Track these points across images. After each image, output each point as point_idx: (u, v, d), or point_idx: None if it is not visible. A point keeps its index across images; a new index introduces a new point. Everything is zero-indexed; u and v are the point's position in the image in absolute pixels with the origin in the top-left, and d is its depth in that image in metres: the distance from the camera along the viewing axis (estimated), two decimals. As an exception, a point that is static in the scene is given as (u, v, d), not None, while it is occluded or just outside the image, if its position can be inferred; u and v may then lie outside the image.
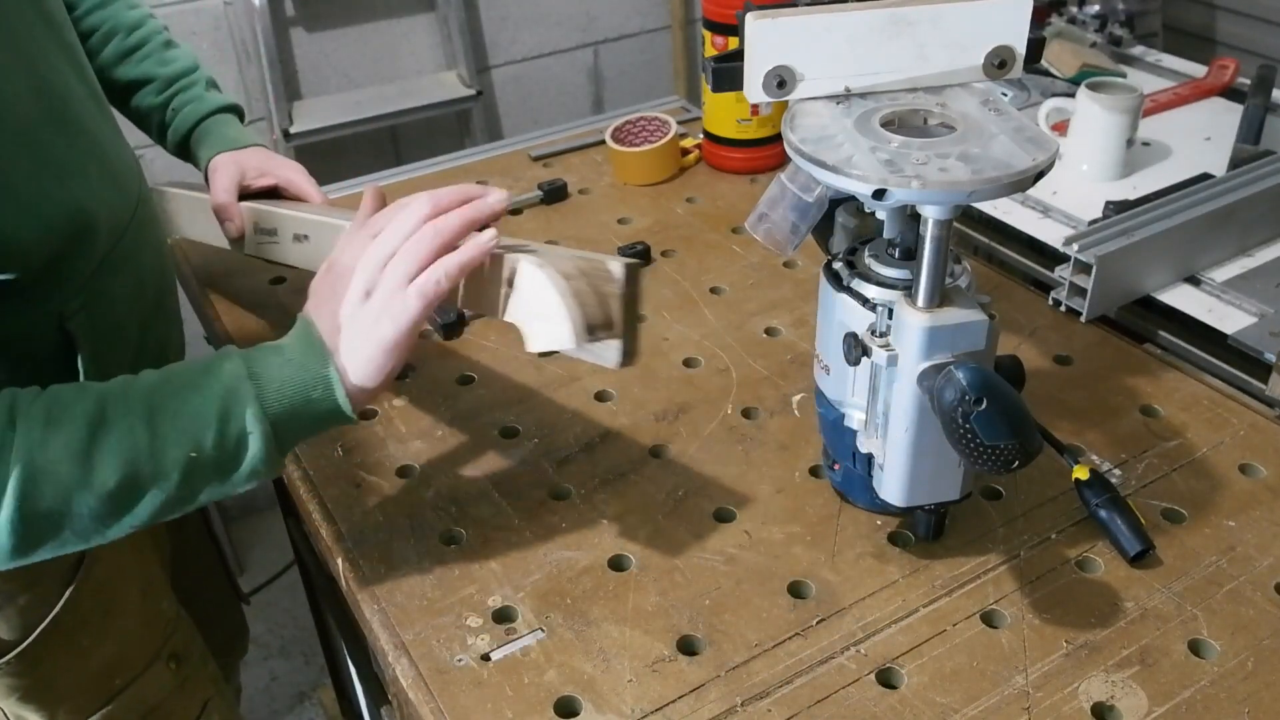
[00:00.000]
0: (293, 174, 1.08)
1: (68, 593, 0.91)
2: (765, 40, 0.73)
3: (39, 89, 0.77)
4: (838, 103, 0.75)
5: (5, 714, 0.94)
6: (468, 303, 0.80)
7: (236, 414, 0.70)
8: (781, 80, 0.74)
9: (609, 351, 0.76)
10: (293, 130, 2.07)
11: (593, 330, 0.75)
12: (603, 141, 1.44)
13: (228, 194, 1.05)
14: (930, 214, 0.68)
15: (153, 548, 1.03)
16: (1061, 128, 1.37)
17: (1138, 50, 1.68)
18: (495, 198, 0.77)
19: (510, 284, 0.77)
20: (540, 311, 0.75)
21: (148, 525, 0.72)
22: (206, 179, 1.09)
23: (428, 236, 0.73)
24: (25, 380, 0.70)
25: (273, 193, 1.09)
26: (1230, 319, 1.07)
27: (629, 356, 0.77)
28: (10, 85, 0.73)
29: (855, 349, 0.75)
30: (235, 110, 1.14)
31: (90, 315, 0.83)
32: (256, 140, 1.11)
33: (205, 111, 1.10)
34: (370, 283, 0.72)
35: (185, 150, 1.12)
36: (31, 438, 0.66)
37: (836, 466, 0.87)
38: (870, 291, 0.76)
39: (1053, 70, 1.53)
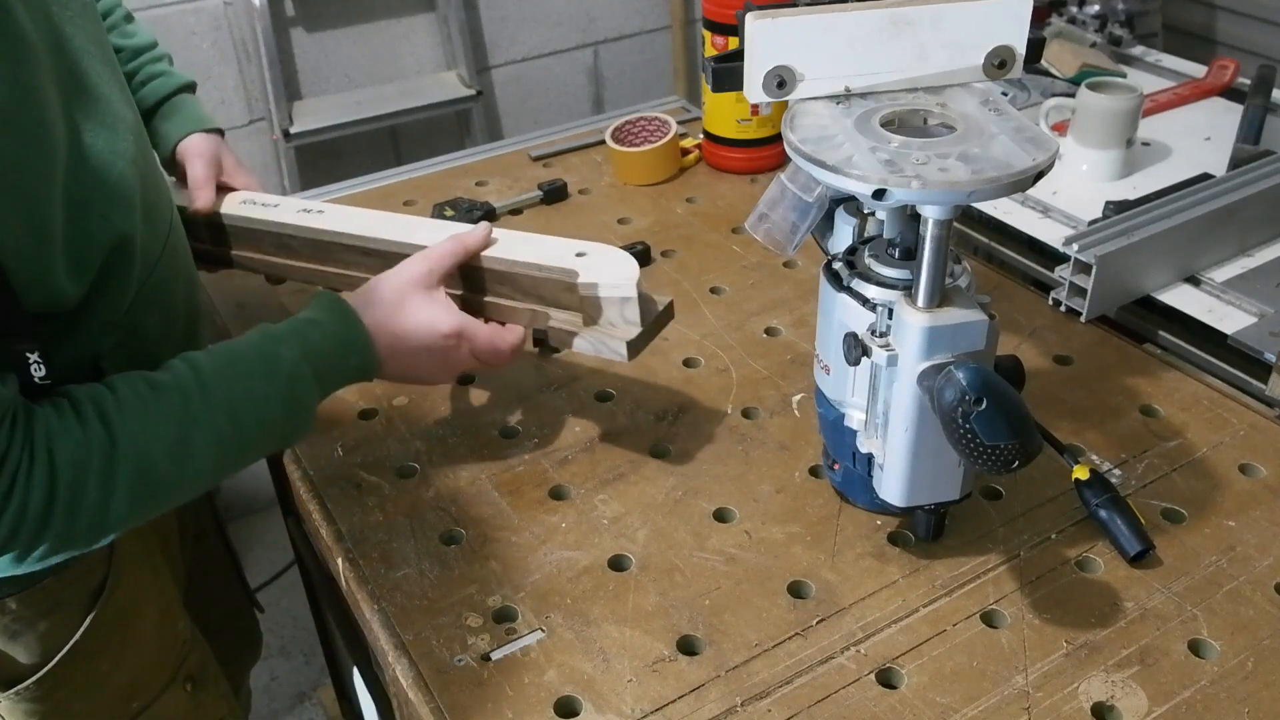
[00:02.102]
0: (241, 182, 1.10)
1: (89, 619, 0.90)
2: (765, 40, 0.73)
3: (89, 117, 0.75)
4: (838, 103, 0.75)
5: None
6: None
7: (300, 394, 0.81)
8: (781, 80, 0.74)
9: (628, 333, 0.89)
10: (293, 130, 2.07)
11: (641, 298, 0.89)
12: (603, 141, 1.44)
13: (208, 183, 1.06)
14: (930, 214, 0.68)
15: (168, 568, 1.02)
16: (1061, 128, 1.37)
17: (1138, 50, 1.68)
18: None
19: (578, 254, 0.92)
20: (608, 264, 0.90)
21: None
22: (173, 156, 1.08)
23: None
24: None
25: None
26: (1230, 319, 1.07)
27: (634, 352, 0.89)
28: (55, 122, 0.71)
29: (855, 349, 0.75)
30: (194, 89, 1.14)
31: (126, 353, 0.82)
32: (218, 122, 1.11)
33: (173, 88, 1.10)
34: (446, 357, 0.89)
35: (146, 123, 1.09)
36: (134, 442, 0.72)
37: (836, 466, 0.87)
38: (870, 291, 0.76)
39: (1053, 70, 1.53)
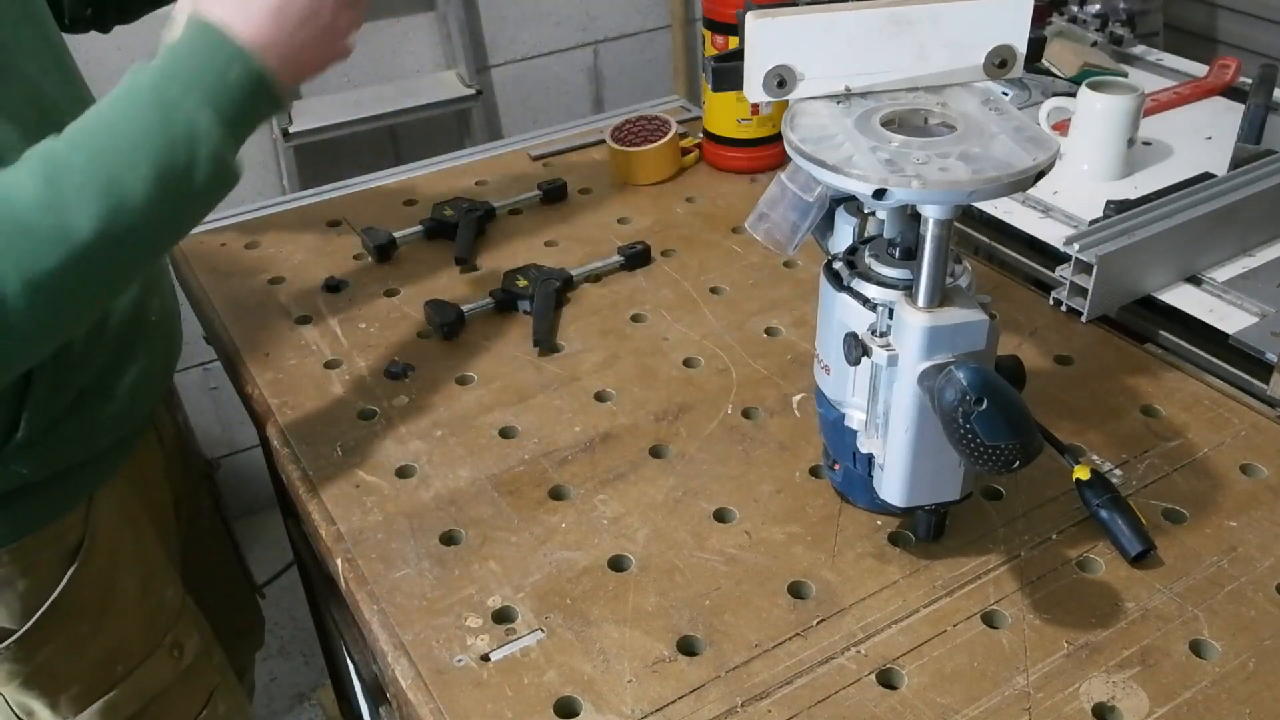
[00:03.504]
0: None
1: (66, 578, 0.91)
2: (765, 40, 0.73)
3: None
4: (838, 102, 0.75)
5: (8, 702, 0.95)
6: None
7: (177, 118, 0.71)
8: (781, 80, 0.74)
9: None
10: (292, 130, 2.06)
11: None
12: (603, 141, 1.44)
13: None
14: (930, 214, 0.68)
15: (156, 537, 1.03)
16: (1062, 127, 1.37)
17: (1139, 49, 1.68)
18: None
19: None
20: None
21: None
22: None
23: None
24: None
25: None
26: (1231, 319, 1.07)
27: None
28: None
29: (855, 349, 0.75)
30: None
31: None
32: None
33: None
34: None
35: None
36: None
37: (836, 466, 0.87)
38: (870, 291, 0.76)
39: (1054, 69, 1.52)
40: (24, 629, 0.90)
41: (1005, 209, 1.27)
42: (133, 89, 0.71)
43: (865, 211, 0.82)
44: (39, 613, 0.91)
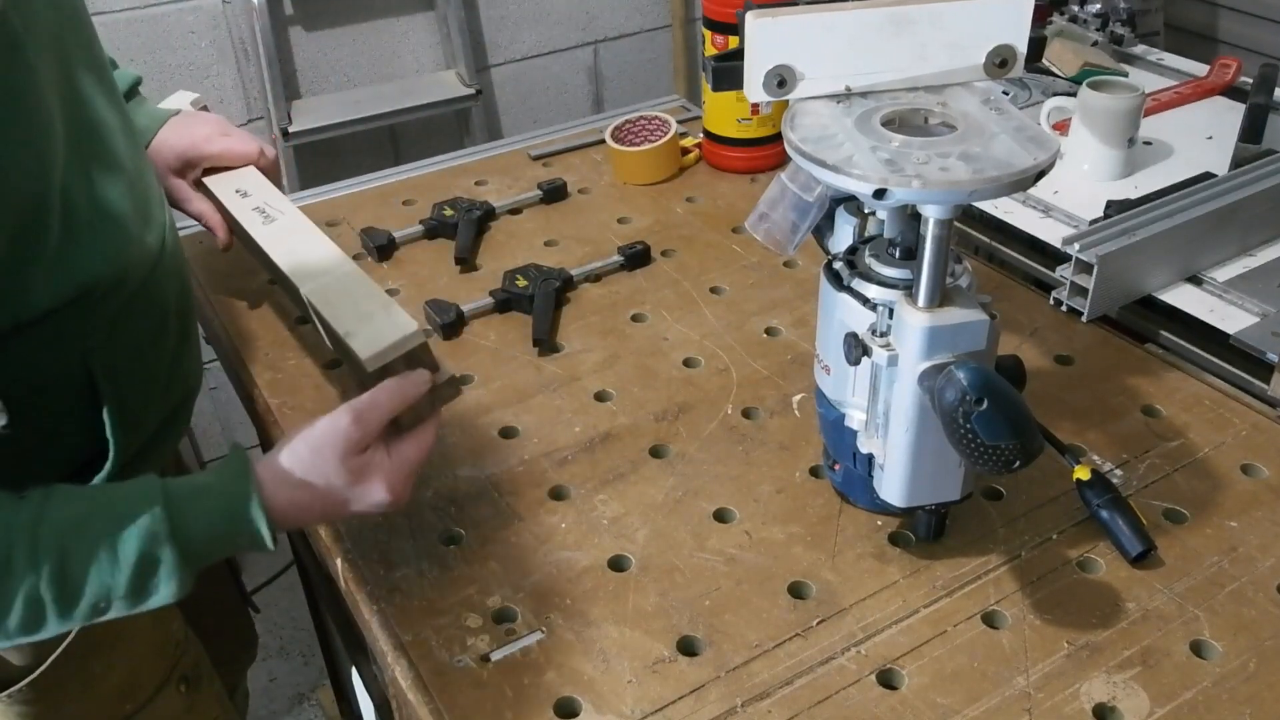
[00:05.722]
0: (220, 146, 1.08)
1: None
2: (765, 39, 0.73)
3: (78, 124, 0.75)
4: (838, 102, 0.75)
5: None
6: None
7: (151, 569, 0.72)
8: (782, 79, 0.74)
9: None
10: (291, 130, 2.06)
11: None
12: (603, 141, 1.44)
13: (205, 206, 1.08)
14: (931, 213, 0.68)
15: None
16: (1063, 127, 1.37)
17: (1139, 49, 1.67)
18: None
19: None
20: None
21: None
22: None
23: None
24: (49, 420, 0.73)
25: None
26: (1232, 319, 1.07)
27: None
28: (53, 123, 0.70)
29: (856, 349, 0.75)
30: (136, 83, 1.09)
31: (113, 352, 0.81)
32: (164, 112, 1.09)
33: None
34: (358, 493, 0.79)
35: None
36: None
37: (837, 466, 0.87)
38: (871, 291, 0.76)
39: (1054, 69, 1.52)
40: (38, 672, 0.88)
41: (1006, 209, 1.27)
42: (130, 521, 0.71)
43: (865, 211, 0.82)
44: (53, 655, 0.88)
